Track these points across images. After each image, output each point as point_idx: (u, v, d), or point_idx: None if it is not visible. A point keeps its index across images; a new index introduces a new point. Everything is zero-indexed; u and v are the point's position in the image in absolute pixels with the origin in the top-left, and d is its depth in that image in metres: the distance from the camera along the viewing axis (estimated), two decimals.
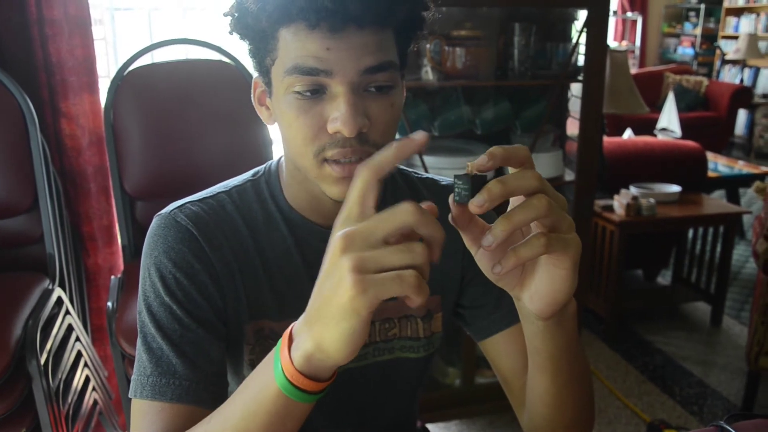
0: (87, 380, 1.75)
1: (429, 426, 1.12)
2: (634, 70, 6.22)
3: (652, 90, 5.77)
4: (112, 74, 1.84)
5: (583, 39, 1.99)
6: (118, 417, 1.94)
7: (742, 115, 6.44)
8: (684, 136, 3.94)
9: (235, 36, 0.70)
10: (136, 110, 1.82)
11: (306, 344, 0.51)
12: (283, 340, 0.54)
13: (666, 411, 2.31)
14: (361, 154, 0.67)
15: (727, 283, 2.94)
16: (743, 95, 5.88)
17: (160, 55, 2.16)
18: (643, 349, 2.75)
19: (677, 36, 7.97)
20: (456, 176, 0.51)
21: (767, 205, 2.15)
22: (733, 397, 2.40)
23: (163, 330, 0.71)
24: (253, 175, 0.82)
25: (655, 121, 4.58)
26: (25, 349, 1.43)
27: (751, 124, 6.51)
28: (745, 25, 7.30)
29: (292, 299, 0.78)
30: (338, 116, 0.64)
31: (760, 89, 6.78)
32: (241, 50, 0.92)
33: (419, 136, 0.49)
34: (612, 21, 7.30)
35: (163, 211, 0.76)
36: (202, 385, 0.70)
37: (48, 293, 1.64)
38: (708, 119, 5.75)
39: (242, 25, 0.68)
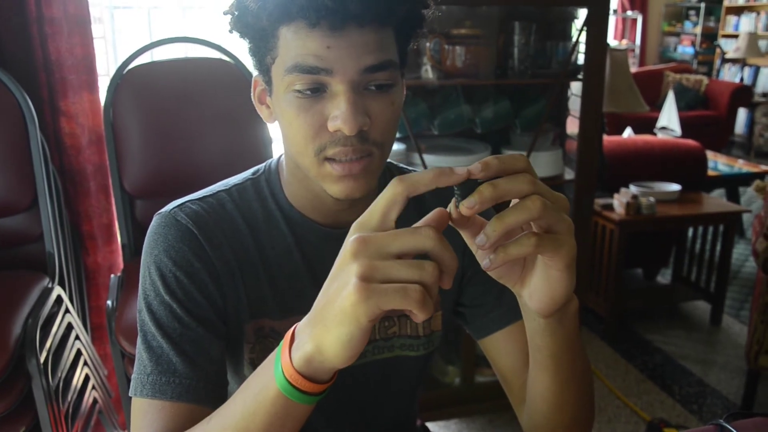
0: (87, 379, 1.75)
1: (429, 425, 1.12)
2: (634, 69, 6.22)
3: (652, 89, 5.77)
4: (112, 73, 1.84)
5: (583, 38, 1.99)
6: (117, 416, 1.94)
7: (742, 113, 6.44)
8: (684, 135, 3.93)
9: (235, 34, 0.70)
10: (136, 109, 1.82)
11: (306, 345, 0.51)
12: (285, 340, 0.54)
13: (666, 410, 2.31)
14: (362, 152, 0.67)
15: (726, 282, 2.94)
16: (743, 94, 5.88)
17: (159, 54, 2.16)
18: (643, 348, 2.75)
19: (677, 35, 7.96)
20: None
21: (767, 204, 2.15)
22: (733, 395, 2.40)
23: (163, 329, 0.71)
24: (253, 173, 0.82)
25: (655, 119, 4.58)
26: (24, 348, 1.43)
27: (751, 123, 6.51)
28: (745, 23, 7.30)
29: (293, 298, 0.78)
30: (339, 115, 0.64)
31: (760, 88, 6.78)
32: (240, 48, 0.92)
33: (461, 170, 0.49)
34: (612, 20, 7.30)
35: (163, 209, 0.76)
36: (202, 383, 0.70)
37: (47, 292, 1.63)
38: (708, 118, 5.75)
39: (242, 24, 0.68)
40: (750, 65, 6.97)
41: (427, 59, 1.95)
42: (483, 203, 0.48)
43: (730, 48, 7.07)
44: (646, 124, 4.65)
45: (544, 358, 0.64)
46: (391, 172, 0.86)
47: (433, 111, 2.04)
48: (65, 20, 1.81)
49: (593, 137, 2.07)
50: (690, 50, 7.67)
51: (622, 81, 2.83)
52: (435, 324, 0.85)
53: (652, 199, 2.68)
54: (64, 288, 1.75)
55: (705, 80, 6.03)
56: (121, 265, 1.97)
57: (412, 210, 0.82)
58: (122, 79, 1.82)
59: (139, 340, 0.73)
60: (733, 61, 7.08)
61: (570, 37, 2.14)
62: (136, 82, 1.83)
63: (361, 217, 0.51)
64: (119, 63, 1.85)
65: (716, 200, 3.02)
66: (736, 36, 7.22)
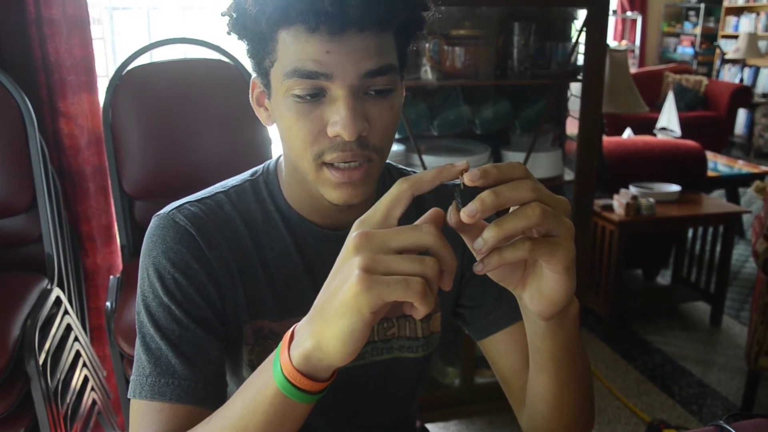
0: (86, 380, 1.74)
1: (428, 426, 1.12)
2: (633, 70, 6.21)
3: (651, 89, 5.77)
4: (111, 74, 1.84)
5: (582, 38, 1.99)
6: (116, 417, 1.94)
7: (741, 114, 6.44)
8: (684, 136, 3.94)
9: (234, 36, 0.70)
10: (135, 110, 1.82)
11: (305, 342, 0.52)
12: (285, 339, 0.55)
13: (665, 411, 2.31)
14: (361, 157, 0.67)
15: (726, 283, 2.94)
16: (743, 95, 5.88)
17: (158, 55, 2.16)
18: (643, 349, 2.75)
19: (677, 35, 7.97)
20: (456, 186, 0.51)
21: (767, 205, 2.15)
22: (733, 396, 2.40)
23: (162, 330, 0.70)
24: (252, 174, 0.82)
25: (655, 120, 4.58)
26: (23, 349, 1.43)
27: (750, 124, 6.51)
28: (745, 24, 7.30)
29: (291, 299, 0.78)
30: (338, 120, 0.64)
31: (759, 89, 6.79)
32: (239, 50, 0.92)
33: (462, 164, 0.50)
34: (612, 20, 7.29)
35: (162, 211, 0.76)
36: (201, 385, 0.70)
37: (46, 293, 1.63)
38: (708, 119, 5.75)
39: (241, 27, 0.67)
40: (750, 66, 6.97)
41: (426, 60, 1.95)
42: (485, 211, 0.48)
43: (730, 48, 7.07)
44: (646, 125, 4.65)
45: (544, 359, 0.64)
46: (390, 173, 0.86)
47: (433, 112, 2.04)
48: (64, 21, 1.81)
49: (593, 138, 2.07)
50: (690, 51, 7.68)
51: (622, 81, 2.83)
52: (434, 325, 0.85)
53: (651, 199, 2.68)
54: (63, 289, 1.74)
55: (705, 81, 6.03)
56: (120, 267, 1.97)
57: (411, 211, 0.81)
58: (121, 80, 1.82)
59: (137, 341, 0.72)
60: (733, 61, 7.09)
61: (569, 38, 2.14)
62: (135, 83, 1.83)
63: (364, 214, 0.51)
64: (118, 64, 1.85)
65: (716, 201, 3.02)
66: (735, 36, 7.23)
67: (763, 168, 3.78)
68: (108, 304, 1.62)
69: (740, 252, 3.85)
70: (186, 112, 1.86)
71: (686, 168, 3.02)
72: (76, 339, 1.71)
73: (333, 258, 0.52)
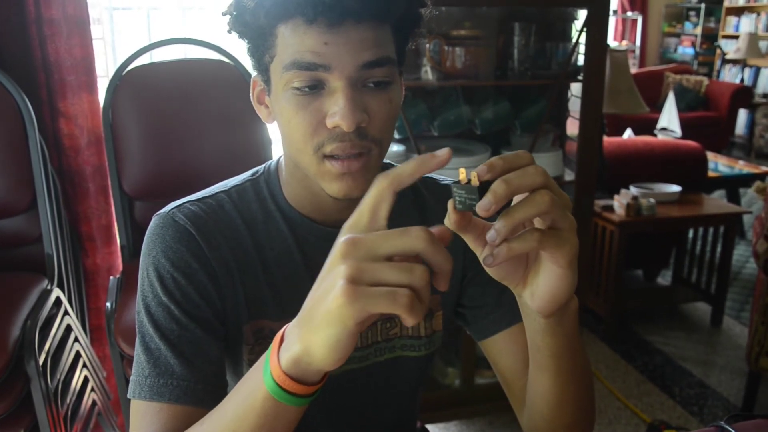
0: (86, 381, 1.74)
1: (428, 426, 1.11)
2: (634, 70, 6.21)
3: (652, 90, 5.77)
4: (111, 74, 1.84)
5: (583, 39, 1.99)
6: (116, 417, 1.93)
7: (742, 114, 6.44)
8: (684, 136, 3.94)
9: (234, 35, 0.70)
10: (135, 110, 1.82)
11: (294, 346, 0.51)
12: (275, 341, 0.54)
13: (666, 411, 2.31)
14: (360, 148, 0.67)
15: (727, 284, 2.94)
16: (743, 95, 5.88)
17: (158, 55, 2.16)
18: (643, 349, 2.75)
19: (677, 35, 7.97)
20: (454, 183, 0.51)
21: (767, 205, 2.15)
22: (734, 397, 2.40)
23: (161, 330, 0.70)
24: (252, 174, 0.82)
25: (655, 120, 4.57)
26: (23, 350, 1.43)
27: (751, 124, 6.51)
28: (746, 24, 7.30)
29: (292, 299, 0.77)
30: (337, 111, 0.64)
31: (760, 89, 6.78)
32: (240, 50, 0.92)
33: (442, 152, 0.49)
34: (612, 20, 7.30)
35: (162, 210, 0.76)
36: (201, 385, 0.70)
37: (46, 293, 1.63)
38: (708, 119, 5.75)
39: (240, 23, 0.68)
40: (750, 66, 6.97)
41: (426, 60, 1.95)
42: (498, 202, 0.48)
43: (731, 49, 7.07)
44: (647, 125, 4.65)
45: (544, 358, 0.64)
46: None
47: (433, 112, 2.04)
48: (64, 21, 1.81)
49: (593, 138, 2.07)
50: (690, 51, 7.68)
51: (623, 82, 2.83)
52: (436, 324, 0.85)
53: (652, 200, 2.68)
54: (63, 290, 1.74)
55: (705, 81, 6.03)
56: (120, 267, 1.96)
57: (412, 209, 0.82)
58: (121, 80, 1.81)
59: (137, 341, 0.72)
60: (734, 61, 7.08)
61: (570, 38, 2.13)
62: (135, 83, 1.83)
63: (350, 218, 0.50)
64: (118, 64, 1.85)
65: (717, 201, 3.02)
66: (736, 37, 7.22)
67: (764, 168, 3.78)
68: (108, 304, 1.62)
69: (741, 252, 3.84)
70: (186, 112, 1.86)
71: (687, 168, 3.02)
72: (76, 339, 1.71)
73: None
